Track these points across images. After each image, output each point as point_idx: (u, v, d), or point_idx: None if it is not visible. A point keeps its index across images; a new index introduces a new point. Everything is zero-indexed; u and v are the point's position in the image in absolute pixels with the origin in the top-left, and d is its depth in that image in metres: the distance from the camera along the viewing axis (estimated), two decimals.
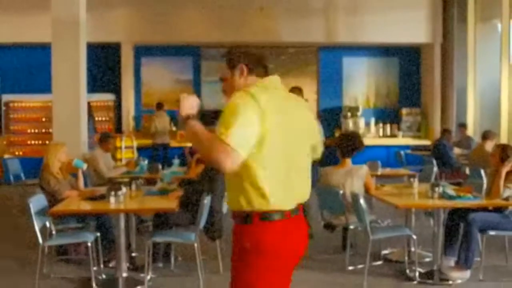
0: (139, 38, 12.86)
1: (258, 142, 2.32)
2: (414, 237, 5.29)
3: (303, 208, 2.59)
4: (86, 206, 5.20)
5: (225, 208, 5.59)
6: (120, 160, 10.69)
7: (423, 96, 13.83)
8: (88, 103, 9.77)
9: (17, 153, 12.43)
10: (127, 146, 11.90)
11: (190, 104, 2.53)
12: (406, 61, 13.85)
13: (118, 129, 12.76)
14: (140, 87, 13.42)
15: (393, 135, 13.32)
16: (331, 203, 5.69)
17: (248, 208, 2.39)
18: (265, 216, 2.39)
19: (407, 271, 5.39)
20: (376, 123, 13.41)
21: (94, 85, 9.26)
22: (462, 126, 11.59)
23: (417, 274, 5.20)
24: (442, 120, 13.10)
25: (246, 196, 2.38)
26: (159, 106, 12.10)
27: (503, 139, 10.64)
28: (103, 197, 5.15)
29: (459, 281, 5.12)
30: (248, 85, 2.50)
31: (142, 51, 13.32)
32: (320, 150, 2.76)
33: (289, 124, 2.44)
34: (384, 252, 5.98)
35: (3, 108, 12.63)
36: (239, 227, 2.44)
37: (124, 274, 5.07)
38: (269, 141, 2.34)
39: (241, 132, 2.26)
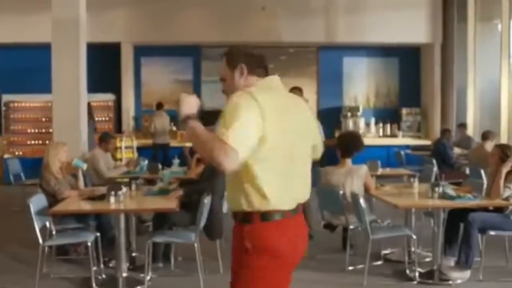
0: (139, 38, 12.78)
1: (258, 142, 2.30)
2: (414, 237, 5.29)
3: (302, 209, 2.59)
4: (86, 206, 5.18)
5: (225, 208, 5.59)
6: (120, 160, 10.67)
7: (423, 96, 13.76)
8: (88, 103, 9.68)
9: (17, 153, 12.34)
10: (127, 146, 11.86)
11: (190, 104, 2.50)
12: (406, 61, 13.76)
13: (118, 129, 12.68)
14: (140, 87, 13.36)
15: (393, 135, 13.25)
16: (331, 203, 5.68)
17: (248, 208, 2.38)
18: (265, 216, 2.39)
19: (407, 271, 5.36)
20: (376, 123, 13.35)
21: (94, 85, 9.22)
22: (462, 126, 11.56)
23: (417, 274, 5.19)
24: (442, 120, 13.04)
25: (246, 196, 2.37)
26: (159, 106, 12.08)
27: (503, 139, 10.60)
28: (103, 197, 5.13)
29: (459, 281, 5.10)
30: (248, 85, 2.49)
31: (142, 51, 13.23)
32: (320, 150, 2.75)
33: (289, 124, 2.43)
34: (384, 252, 5.93)
35: (3, 108, 12.56)
36: (240, 227, 2.43)
37: (124, 274, 5.06)
38: (270, 141, 2.32)
39: (242, 132, 2.23)
